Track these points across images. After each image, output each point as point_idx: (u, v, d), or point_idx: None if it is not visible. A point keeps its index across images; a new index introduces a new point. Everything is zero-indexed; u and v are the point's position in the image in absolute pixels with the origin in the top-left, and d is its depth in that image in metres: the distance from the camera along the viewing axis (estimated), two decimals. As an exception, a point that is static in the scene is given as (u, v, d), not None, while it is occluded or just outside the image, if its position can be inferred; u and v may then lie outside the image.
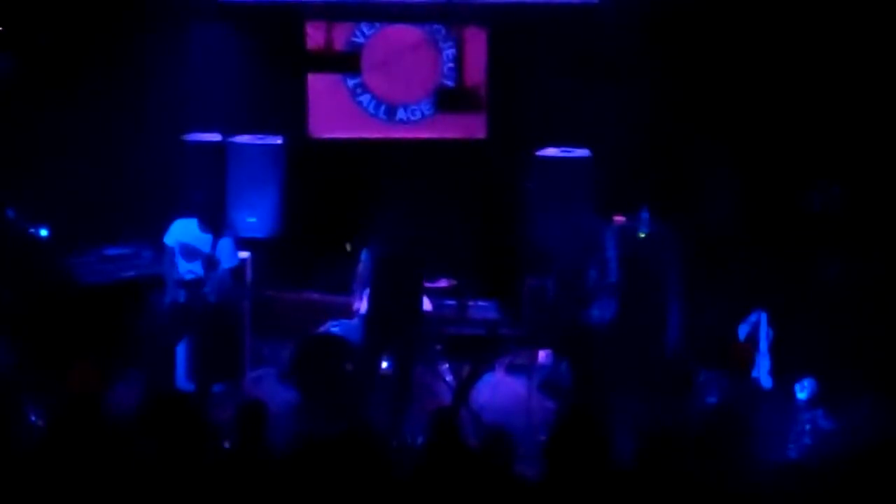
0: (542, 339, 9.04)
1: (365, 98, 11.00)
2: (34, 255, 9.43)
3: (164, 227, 8.76)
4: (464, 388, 8.82)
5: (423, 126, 11.03)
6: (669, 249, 9.17)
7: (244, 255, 9.35)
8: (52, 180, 9.70)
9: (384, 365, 8.76)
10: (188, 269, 8.66)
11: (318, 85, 10.95)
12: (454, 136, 10.92)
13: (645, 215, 9.13)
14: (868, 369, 8.35)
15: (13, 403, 6.57)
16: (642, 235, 9.16)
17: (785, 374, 8.71)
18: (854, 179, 9.55)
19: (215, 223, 8.68)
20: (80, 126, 9.93)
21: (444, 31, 10.89)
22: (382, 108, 11.02)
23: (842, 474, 5.45)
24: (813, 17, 9.62)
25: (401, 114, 11.05)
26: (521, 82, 10.56)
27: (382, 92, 10.98)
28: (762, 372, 8.80)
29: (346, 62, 10.88)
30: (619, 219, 9.31)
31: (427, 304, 8.86)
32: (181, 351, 9.07)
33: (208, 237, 8.62)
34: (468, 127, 10.94)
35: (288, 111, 10.70)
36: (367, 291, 8.68)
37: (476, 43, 10.83)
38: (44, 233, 9.58)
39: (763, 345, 8.81)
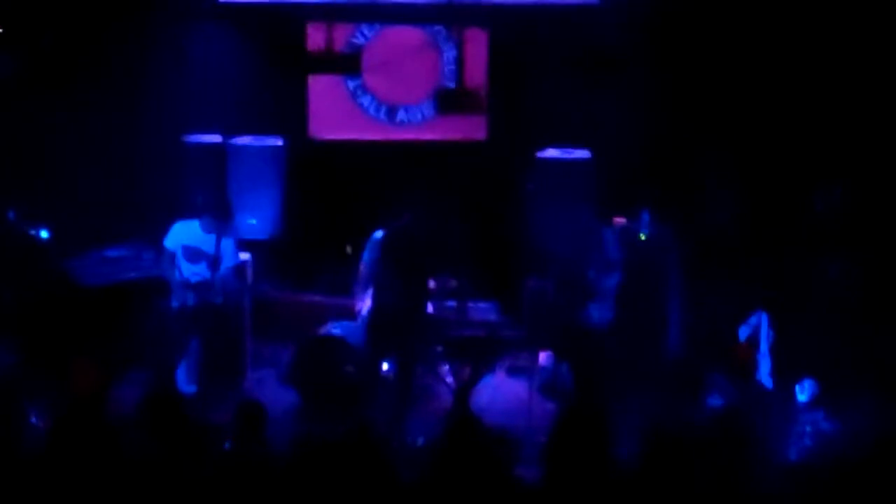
0: (542, 340, 9.05)
1: (365, 99, 11.00)
2: (35, 256, 9.43)
3: (164, 229, 8.74)
4: (464, 390, 8.82)
5: (423, 127, 11.03)
6: (670, 251, 9.18)
7: (245, 256, 9.36)
8: (52, 182, 9.73)
9: (385, 367, 8.75)
10: (193, 271, 8.62)
11: (319, 86, 10.95)
12: (455, 138, 10.92)
13: (645, 217, 9.14)
14: (869, 371, 8.34)
15: (14, 404, 6.55)
16: (643, 237, 9.16)
17: (785, 375, 8.70)
18: (855, 180, 9.54)
19: (223, 222, 8.61)
20: (81, 127, 9.94)
21: (444, 33, 10.89)
22: (383, 109, 11.02)
23: (842, 476, 5.45)
24: (813, 19, 9.62)
25: (401, 115, 11.05)
26: (521, 83, 10.56)
27: (383, 93, 10.98)
28: (763, 373, 8.79)
29: (346, 63, 10.88)
30: (619, 220, 9.31)
31: (428, 306, 8.86)
32: (185, 353, 9.06)
33: (211, 238, 8.59)
34: (469, 128, 10.94)
35: (288, 112, 10.72)
36: (369, 293, 8.68)
37: (477, 44, 10.83)
38: (44, 234, 9.57)
39: (764, 346, 8.80)
